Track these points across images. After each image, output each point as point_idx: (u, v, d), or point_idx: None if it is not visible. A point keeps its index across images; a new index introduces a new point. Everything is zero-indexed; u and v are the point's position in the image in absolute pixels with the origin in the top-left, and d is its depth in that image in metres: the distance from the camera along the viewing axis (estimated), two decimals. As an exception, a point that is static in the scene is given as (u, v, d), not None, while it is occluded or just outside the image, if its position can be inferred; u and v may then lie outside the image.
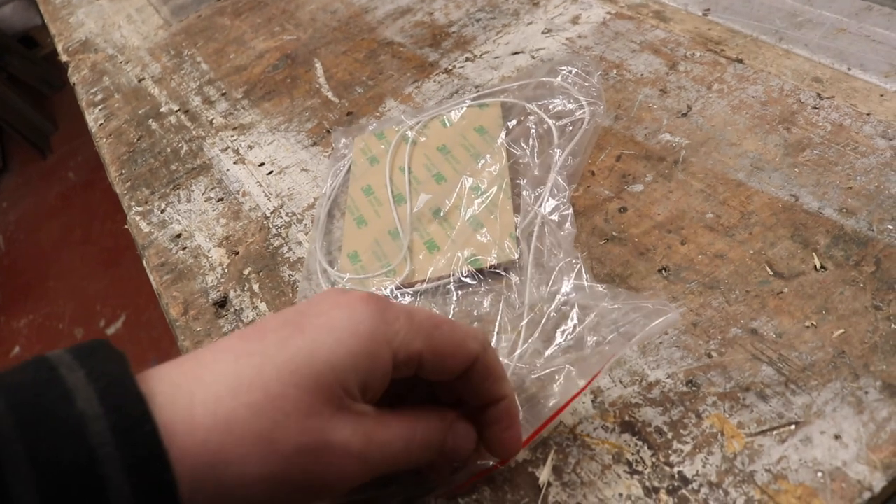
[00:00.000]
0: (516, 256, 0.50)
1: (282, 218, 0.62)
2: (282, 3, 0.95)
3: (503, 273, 0.50)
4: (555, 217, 0.51)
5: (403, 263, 0.53)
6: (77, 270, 2.50)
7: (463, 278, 0.51)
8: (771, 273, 0.46)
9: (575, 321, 0.44)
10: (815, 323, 0.43)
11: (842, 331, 0.42)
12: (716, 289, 0.46)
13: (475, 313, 0.48)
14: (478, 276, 0.51)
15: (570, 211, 0.52)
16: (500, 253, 0.51)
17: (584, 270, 0.48)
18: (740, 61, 0.62)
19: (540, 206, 0.52)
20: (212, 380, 0.29)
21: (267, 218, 0.63)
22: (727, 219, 0.50)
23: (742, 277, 0.46)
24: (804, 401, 0.39)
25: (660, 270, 0.48)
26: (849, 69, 0.58)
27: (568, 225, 0.51)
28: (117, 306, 2.25)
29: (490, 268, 0.50)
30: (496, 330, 0.47)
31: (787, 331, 0.43)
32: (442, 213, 0.56)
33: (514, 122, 0.61)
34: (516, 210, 0.54)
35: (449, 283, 0.51)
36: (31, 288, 2.53)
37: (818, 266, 0.45)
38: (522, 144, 0.58)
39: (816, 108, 0.55)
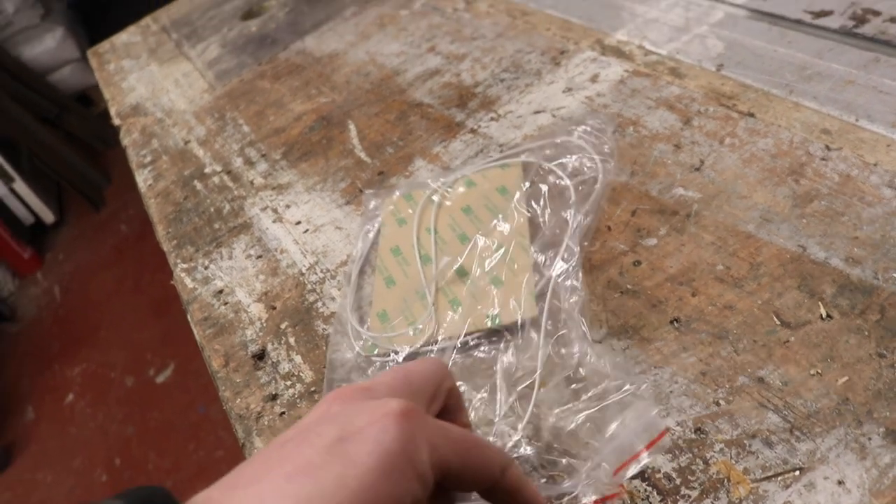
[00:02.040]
0: (535, 315, 0.53)
1: (316, 274, 0.66)
2: (318, 66, 1.00)
3: (521, 331, 0.53)
4: (565, 280, 0.54)
5: (429, 322, 0.56)
6: (128, 320, 2.58)
7: (484, 336, 0.53)
8: (778, 323, 0.48)
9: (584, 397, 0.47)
10: (820, 371, 0.44)
11: (846, 378, 0.44)
12: (725, 339, 0.48)
13: (495, 368, 0.51)
14: (499, 333, 0.53)
15: (580, 276, 0.54)
16: (520, 311, 0.53)
17: (587, 335, 0.50)
18: (752, 115, 0.64)
19: (552, 268, 0.55)
20: None
21: (303, 274, 0.67)
22: (737, 270, 0.52)
23: (750, 327, 0.48)
24: (808, 447, 0.41)
25: (671, 322, 0.50)
26: (857, 120, 0.60)
27: (577, 288, 0.53)
28: (166, 355, 2.31)
29: (509, 325, 0.53)
30: (513, 384, 0.49)
31: (793, 379, 0.44)
32: (466, 273, 0.58)
33: (532, 181, 0.64)
34: (535, 269, 0.56)
35: (472, 340, 0.53)
36: (84, 337, 2.61)
37: (824, 315, 0.47)
38: (540, 203, 0.61)
39: (825, 160, 0.58)
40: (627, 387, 0.46)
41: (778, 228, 0.54)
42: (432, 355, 0.54)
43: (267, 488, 0.30)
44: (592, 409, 0.46)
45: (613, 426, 0.44)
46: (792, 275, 0.50)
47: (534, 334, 0.51)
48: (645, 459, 0.42)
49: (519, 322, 0.53)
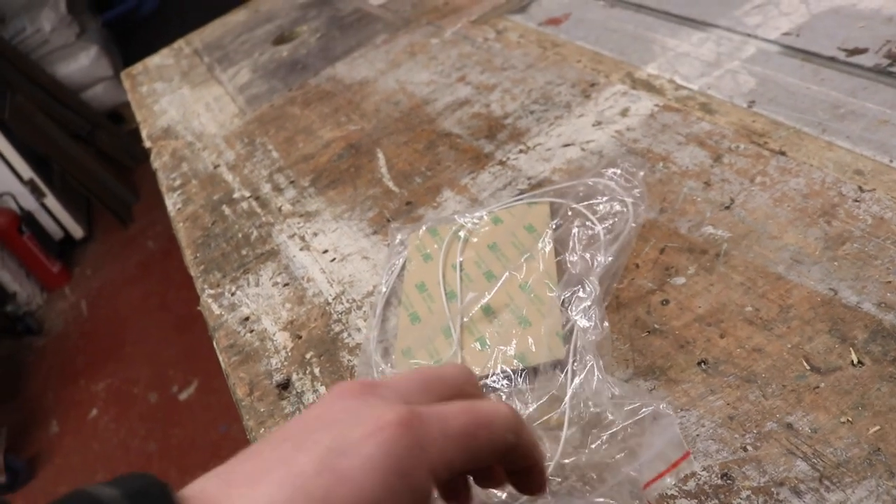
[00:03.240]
0: (562, 356, 0.52)
1: (343, 304, 0.66)
2: (348, 94, 1.01)
3: (548, 370, 0.52)
4: (588, 321, 0.53)
5: (454, 360, 0.55)
6: (153, 336, 2.60)
7: (510, 375, 0.53)
8: (808, 368, 0.47)
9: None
10: (850, 419, 0.44)
11: (878, 427, 0.43)
12: (753, 382, 0.47)
13: (522, 410, 0.50)
14: (524, 373, 0.53)
15: (603, 317, 0.54)
16: (546, 351, 0.53)
17: (604, 376, 0.49)
18: (783, 153, 0.64)
19: (576, 310, 0.55)
20: None
21: (329, 304, 0.67)
22: (766, 312, 0.51)
23: (779, 371, 0.47)
24: (838, 498, 0.40)
25: (699, 363, 0.50)
26: (891, 161, 0.59)
27: (598, 328, 0.53)
28: (189, 372, 2.32)
29: (536, 366, 0.53)
30: (540, 424, 0.49)
31: (823, 426, 0.44)
32: (492, 311, 0.58)
33: (561, 221, 0.63)
34: (561, 310, 0.56)
35: (498, 379, 0.53)
36: (109, 352, 2.63)
37: (855, 361, 0.46)
38: (568, 244, 0.60)
39: (857, 201, 0.57)
40: (644, 410, 0.45)
41: (809, 270, 0.53)
42: None
43: (259, 494, 0.30)
44: (615, 442, 0.45)
45: (640, 446, 0.44)
46: (823, 319, 0.50)
47: (559, 374, 0.51)
48: (669, 480, 0.42)
49: (545, 362, 0.52)
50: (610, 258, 0.57)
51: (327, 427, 0.33)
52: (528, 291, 0.58)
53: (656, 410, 0.45)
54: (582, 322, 0.53)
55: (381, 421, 0.32)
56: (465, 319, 0.58)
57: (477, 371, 0.54)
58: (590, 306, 0.54)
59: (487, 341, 0.56)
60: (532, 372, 0.53)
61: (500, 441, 0.35)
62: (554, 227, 0.63)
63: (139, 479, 0.30)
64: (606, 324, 0.53)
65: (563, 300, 0.56)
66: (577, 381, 0.50)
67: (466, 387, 0.38)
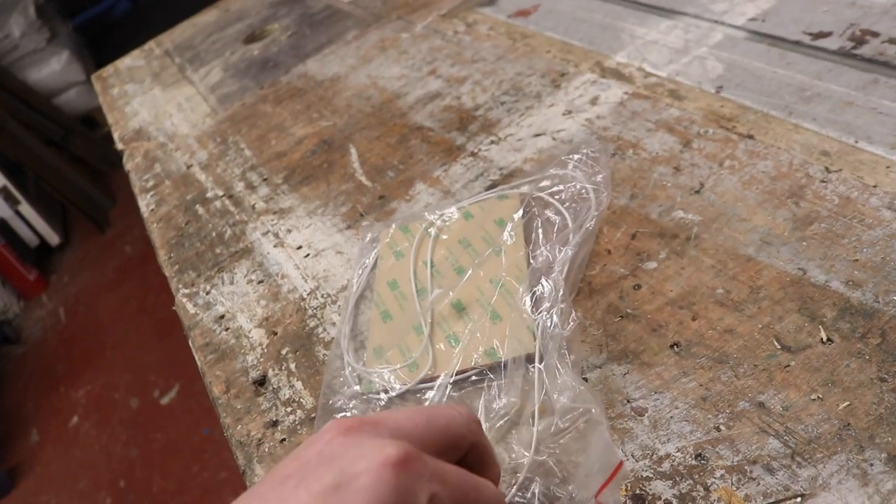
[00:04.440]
0: (532, 350, 0.52)
1: (317, 299, 0.66)
2: (320, 90, 1.00)
3: (519, 365, 0.52)
4: (556, 312, 0.54)
5: (425, 357, 0.55)
6: (133, 341, 2.58)
7: (482, 371, 0.53)
8: (778, 347, 0.48)
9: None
10: (821, 396, 0.44)
11: (847, 403, 0.43)
12: (725, 363, 0.48)
13: (494, 406, 0.50)
14: (496, 368, 0.53)
15: (570, 308, 0.54)
16: (517, 345, 0.53)
17: (569, 368, 0.50)
18: (751, 137, 0.64)
19: (544, 301, 0.55)
20: None
21: (304, 299, 0.67)
22: (737, 294, 0.52)
23: (751, 351, 0.48)
24: (810, 473, 0.41)
25: (671, 346, 0.50)
26: (856, 142, 0.60)
27: (566, 320, 0.53)
28: (171, 377, 2.31)
29: (507, 360, 0.53)
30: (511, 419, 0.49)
31: (794, 404, 0.44)
32: (463, 307, 0.58)
33: (528, 213, 0.63)
34: (532, 302, 0.56)
35: (469, 376, 0.53)
36: (89, 359, 2.61)
37: (825, 339, 0.47)
38: (536, 235, 0.60)
39: (824, 182, 0.58)
40: (582, 417, 0.46)
41: (778, 251, 0.53)
42: (431, 392, 0.54)
43: None
44: (561, 442, 0.46)
45: (582, 456, 0.45)
46: (792, 298, 0.50)
47: (531, 368, 0.51)
48: (608, 496, 0.42)
49: (516, 357, 0.52)
50: (575, 247, 0.57)
51: (328, 462, 0.33)
52: (498, 286, 0.58)
53: (591, 417, 0.46)
54: (548, 315, 0.53)
55: (384, 455, 0.32)
56: (436, 316, 0.58)
57: (447, 369, 0.54)
58: (557, 298, 0.54)
59: (458, 337, 0.56)
60: (503, 367, 0.53)
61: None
62: (523, 219, 0.63)
63: None
64: (574, 315, 0.53)
65: (533, 293, 0.56)
66: (542, 376, 0.50)
67: (469, 436, 0.38)
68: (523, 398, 0.50)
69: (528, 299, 0.55)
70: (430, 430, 0.36)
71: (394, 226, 0.68)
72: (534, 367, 0.51)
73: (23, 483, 2.23)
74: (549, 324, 0.53)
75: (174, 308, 0.74)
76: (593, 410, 0.46)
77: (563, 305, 0.54)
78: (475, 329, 0.56)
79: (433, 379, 0.54)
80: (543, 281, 0.56)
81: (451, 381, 0.53)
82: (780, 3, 0.80)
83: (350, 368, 0.57)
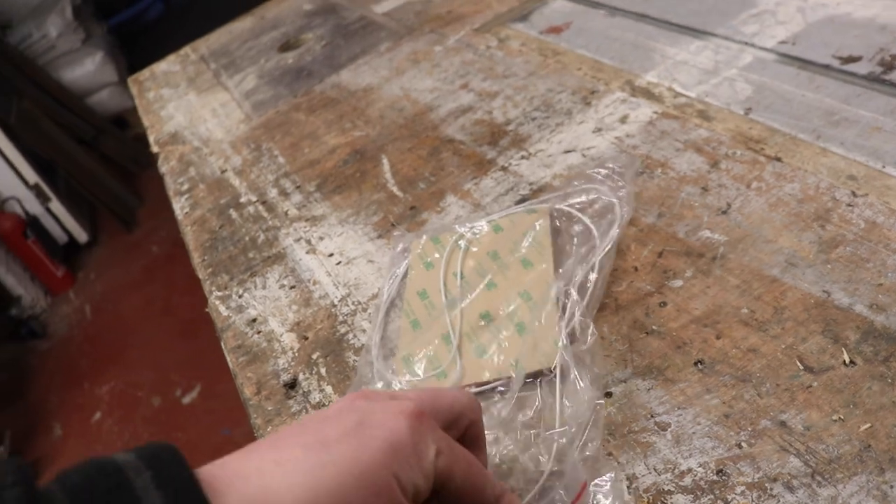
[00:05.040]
0: (554, 363, 0.53)
1: (348, 306, 0.68)
2: (353, 100, 1.02)
3: (544, 377, 0.54)
4: (575, 330, 0.55)
5: (453, 367, 0.57)
6: (156, 340, 2.61)
7: (507, 381, 0.54)
8: (801, 367, 0.48)
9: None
10: (842, 417, 0.45)
11: (868, 425, 0.44)
12: (748, 382, 0.49)
13: (520, 418, 0.51)
14: (520, 379, 0.54)
15: (587, 327, 0.55)
16: (542, 358, 0.54)
17: (580, 381, 0.52)
18: (779, 159, 0.65)
19: (567, 314, 0.56)
20: (285, 491, 0.31)
21: (335, 306, 0.68)
22: (761, 314, 0.53)
23: (773, 371, 0.49)
24: (830, 493, 0.42)
25: (695, 363, 0.51)
26: (883, 167, 0.61)
27: (586, 335, 0.54)
28: (193, 377, 2.34)
29: (533, 373, 0.54)
30: (538, 432, 0.50)
31: (816, 424, 0.45)
32: (491, 319, 0.60)
33: (556, 227, 0.65)
34: (558, 316, 0.57)
35: (495, 386, 0.54)
36: (113, 356, 2.64)
37: (847, 361, 0.48)
38: (564, 249, 0.62)
39: (851, 206, 0.58)
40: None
41: (803, 273, 0.54)
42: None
43: (284, 454, 0.33)
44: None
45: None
46: (816, 320, 0.51)
47: (555, 381, 0.53)
48: None
49: (541, 369, 0.54)
50: (601, 262, 0.59)
51: (350, 412, 0.36)
52: (526, 298, 0.60)
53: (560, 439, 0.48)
54: (571, 329, 0.55)
55: (402, 407, 0.36)
56: (464, 326, 0.60)
57: (474, 379, 0.55)
58: (580, 312, 0.55)
59: (486, 349, 0.57)
60: (527, 378, 0.54)
61: (484, 489, 0.39)
62: (550, 232, 0.64)
63: (152, 445, 0.32)
64: (593, 329, 0.54)
65: (558, 306, 0.57)
66: (560, 389, 0.52)
67: (468, 413, 0.41)
68: (544, 410, 0.51)
69: (553, 312, 0.57)
70: (437, 403, 0.39)
71: (425, 237, 0.69)
72: (556, 379, 0.53)
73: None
74: (571, 337, 0.54)
75: (207, 310, 0.75)
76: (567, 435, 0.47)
77: (586, 319, 0.55)
78: (502, 340, 0.57)
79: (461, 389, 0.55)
80: (568, 294, 0.57)
81: (478, 390, 0.55)
82: (810, 26, 0.81)
83: (379, 376, 0.58)
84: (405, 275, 0.67)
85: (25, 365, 2.78)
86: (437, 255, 0.67)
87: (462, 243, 0.67)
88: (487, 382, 0.55)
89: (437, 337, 0.60)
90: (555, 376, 0.53)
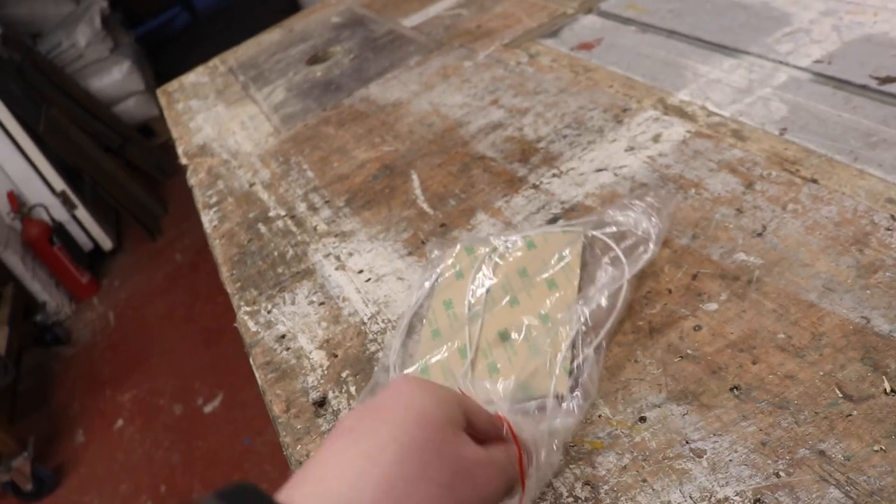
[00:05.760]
0: (561, 390, 0.54)
1: (378, 324, 0.67)
2: (382, 115, 1.03)
3: (550, 401, 0.53)
4: (587, 360, 0.55)
5: (464, 380, 0.56)
6: (179, 348, 2.62)
7: (512, 402, 0.54)
8: (840, 395, 0.48)
9: None
10: (884, 447, 0.44)
11: (911, 456, 0.43)
12: (785, 409, 0.48)
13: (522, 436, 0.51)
14: (526, 401, 0.54)
15: (600, 358, 0.56)
16: (550, 384, 0.54)
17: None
18: (815, 181, 0.64)
19: (583, 346, 0.56)
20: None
21: (364, 323, 0.68)
22: (798, 340, 0.52)
23: (812, 398, 0.48)
24: (871, 525, 0.41)
25: (731, 389, 0.50)
26: (923, 191, 0.60)
27: (594, 370, 0.55)
28: (215, 385, 2.34)
29: (539, 396, 0.54)
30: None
31: (856, 454, 0.44)
32: (508, 337, 0.60)
33: (588, 252, 0.64)
34: (574, 343, 0.57)
35: (501, 405, 0.54)
36: (135, 363, 2.66)
37: (888, 390, 0.47)
38: (594, 277, 0.61)
39: (889, 230, 0.58)
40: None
41: (841, 298, 0.54)
42: None
43: (333, 469, 0.37)
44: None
45: None
46: (855, 347, 0.50)
47: (559, 407, 0.53)
48: None
49: (546, 394, 0.54)
50: (625, 297, 0.59)
51: (377, 401, 0.41)
52: (545, 321, 0.59)
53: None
54: (583, 358, 0.55)
55: (421, 382, 0.42)
56: (481, 342, 0.60)
57: (481, 396, 0.55)
58: (594, 344, 0.56)
59: (498, 366, 0.57)
60: (533, 401, 0.54)
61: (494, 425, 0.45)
62: (581, 258, 0.64)
63: (235, 487, 0.33)
64: (597, 368, 0.54)
65: (576, 334, 0.57)
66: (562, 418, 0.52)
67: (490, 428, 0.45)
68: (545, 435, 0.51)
69: (569, 339, 0.56)
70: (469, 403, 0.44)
71: (459, 245, 0.69)
72: (561, 405, 0.52)
73: (67, 482, 2.27)
74: (581, 367, 0.55)
75: (236, 325, 0.76)
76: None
77: (597, 354, 0.55)
78: (515, 360, 0.57)
79: None
80: (587, 323, 0.57)
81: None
82: (846, 45, 0.80)
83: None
84: (436, 282, 0.67)
85: (49, 371, 2.80)
86: (467, 265, 0.67)
87: (494, 256, 0.67)
88: (495, 402, 0.55)
89: (454, 348, 0.60)
90: (561, 402, 0.53)
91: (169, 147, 1.21)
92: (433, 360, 0.60)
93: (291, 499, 0.34)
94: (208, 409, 2.29)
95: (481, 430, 0.43)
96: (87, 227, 3.20)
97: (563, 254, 0.64)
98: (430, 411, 0.39)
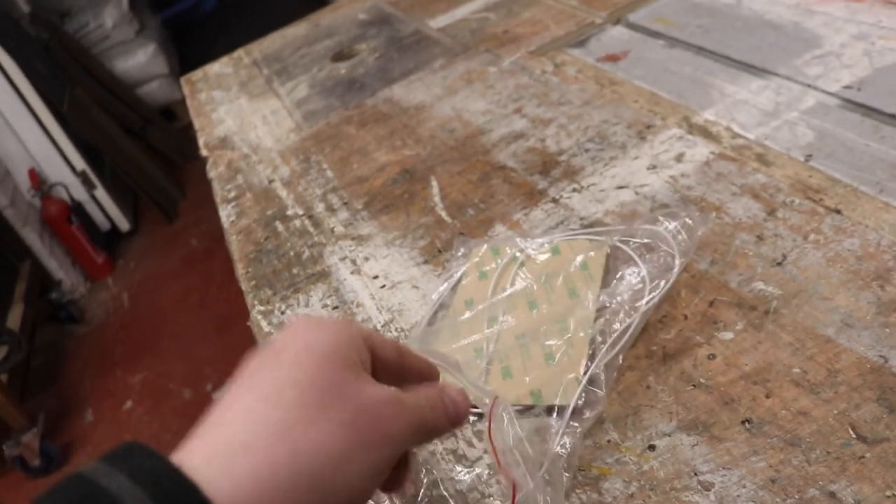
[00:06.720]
0: (570, 403, 0.54)
1: (391, 332, 0.67)
2: (404, 117, 1.02)
3: (559, 411, 0.54)
4: (599, 375, 0.55)
5: (478, 382, 0.56)
6: (191, 333, 2.64)
7: (523, 408, 0.55)
8: (854, 436, 0.47)
9: None
10: None
11: (923, 503, 0.43)
12: (797, 446, 0.48)
13: (525, 444, 0.51)
14: (536, 409, 0.55)
15: (607, 374, 0.55)
16: (561, 394, 0.54)
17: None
18: (839, 212, 0.64)
19: (595, 359, 0.56)
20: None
21: (378, 331, 0.68)
22: (813, 375, 0.51)
23: (824, 437, 0.48)
24: (879, 572, 0.40)
25: (743, 422, 0.50)
26: (948, 229, 0.59)
27: (604, 386, 0.54)
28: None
29: (548, 406, 0.54)
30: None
31: (868, 498, 0.44)
32: (524, 341, 0.60)
33: (613, 264, 0.64)
34: (589, 356, 0.57)
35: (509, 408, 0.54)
36: (147, 345, 2.68)
37: (903, 433, 0.47)
38: (616, 290, 0.61)
39: (913, 267, 0.57)
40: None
41: (859, 335, 0.53)
42: (472, 418, 0.55)
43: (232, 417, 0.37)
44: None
45: None
46: (871, 386, 0.50)
47: (566, 419, 0.53)
48: None
49: (556, 403, 0.54)
50: (643, 314, 0.58)
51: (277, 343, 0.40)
52: (563, 329, 0.59)
53: None
54: (596, 373, 0.55)
55: (318, 319, 0.41)
56: (497, 345, 0.60)
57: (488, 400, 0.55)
58: (609, 359, 0.55)
59: (512, 371, 0.58)
60: (545, 409, 0.54)
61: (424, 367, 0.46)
62: (604, 268, 0.64)
63: (123, 446, 0.33)
64: (602, 393, 0.54)
65: (592, 345, 0.57)
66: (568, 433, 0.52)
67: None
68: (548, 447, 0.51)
69: (583, 350, 0.57)
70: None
71: (485, 245, 0.70)
72: (568, 417, 0.53)
73: (75, 460, 2.29)
74: (594, 382, 0.55)
75: (248, 324, 0.76)
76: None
77: (609, 369, 0.55)
78: (529, 367, 0.58)
79: (474, 406, 0.55)
80: (603, 335, 0.57)
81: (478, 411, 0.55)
82: (877, 72, 0.79)
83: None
84: (459, 280, 0.68)
85: (62, 348, 2.82)
86: (492, 266, 0.68)
87: (519, 259, 0.67)
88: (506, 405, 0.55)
89: (470, 349, 0.61)
90: (568, 415, 0.53)
91: (190, 131, 1.21)
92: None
93: (190, 450, 0.34)
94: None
95: (392, 365, 0.43)
96: (106, 208, 3.23)
97: (587, 263, 0.64)
98: (331, 351, 0.38)
